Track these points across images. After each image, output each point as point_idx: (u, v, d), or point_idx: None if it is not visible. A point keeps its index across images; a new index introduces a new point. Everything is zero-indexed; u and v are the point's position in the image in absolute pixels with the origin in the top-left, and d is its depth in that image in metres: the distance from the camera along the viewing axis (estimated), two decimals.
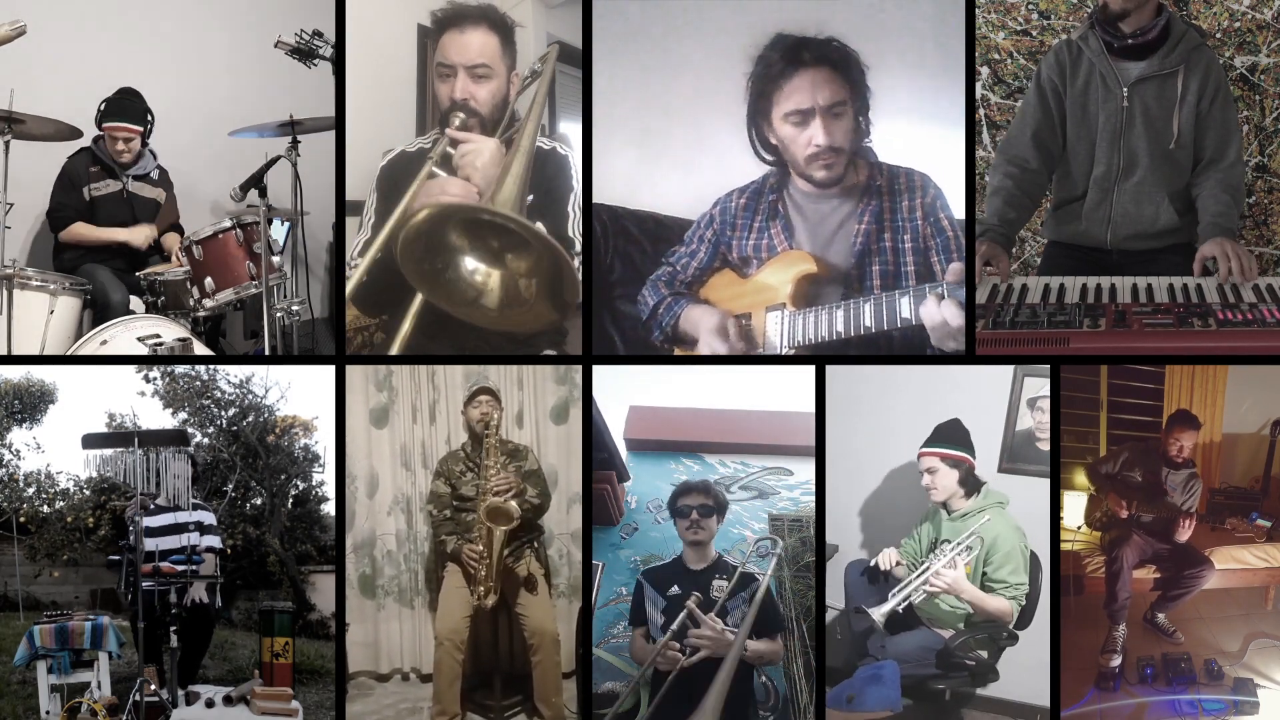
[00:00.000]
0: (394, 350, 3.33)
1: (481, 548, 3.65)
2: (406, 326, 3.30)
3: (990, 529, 3.49)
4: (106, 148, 4.53)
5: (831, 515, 3.71)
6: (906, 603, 3.47)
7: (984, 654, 3.48)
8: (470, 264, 3.14)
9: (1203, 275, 3.57)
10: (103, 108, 4.48)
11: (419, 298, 3.28)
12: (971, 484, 3.58)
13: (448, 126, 3.48)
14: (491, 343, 3.62)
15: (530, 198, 3.48)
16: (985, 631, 3.48)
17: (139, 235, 4.54)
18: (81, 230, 4.49)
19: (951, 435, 3.60)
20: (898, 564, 3.54)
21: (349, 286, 3.53)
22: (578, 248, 3.53)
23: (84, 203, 4.51)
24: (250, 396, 4.61)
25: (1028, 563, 3.50)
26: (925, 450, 3.60)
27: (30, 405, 4.47)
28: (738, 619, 3.42)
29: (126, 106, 4.50)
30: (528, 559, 3.76)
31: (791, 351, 3.43)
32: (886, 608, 3.45)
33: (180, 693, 3.64)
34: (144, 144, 4.59)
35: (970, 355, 3.38)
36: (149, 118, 4.55)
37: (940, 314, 3.10)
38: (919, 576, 3.47)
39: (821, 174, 3.41)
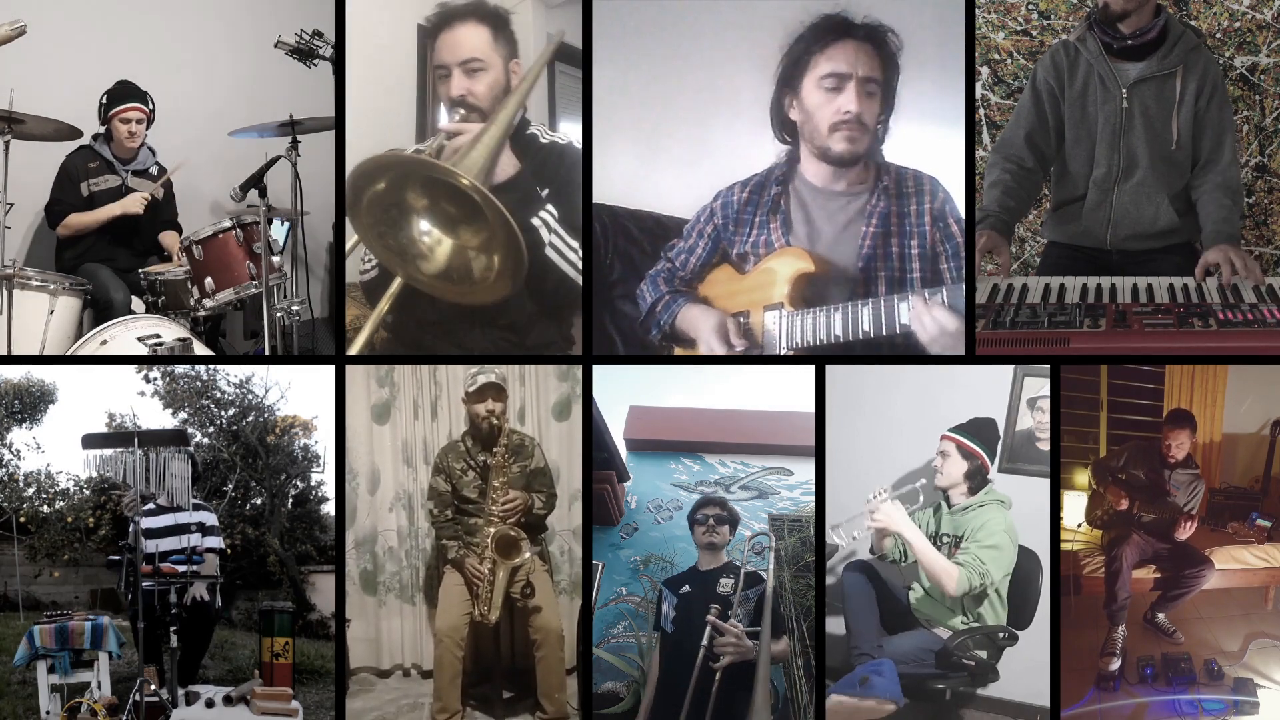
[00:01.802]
0: (364, 333, 3.44)
1: (487, 570, 3.66)
2: (384, 306, 3.42)
3: (985, 514, 3.51)
4: (115, 135, 4.54)
5: (831, 515, 3.71)
6: (853, 544, 3.56)
7: (983, 654, 3.48)
8: (424, 225, 3.29)
9: (1203, 281, 3.58)
10: (105, 99, 4.51)
11: (396, 284, 3.39)
12: (978, 481, 3.58)
13: (448, 123, 3.49)
14: (488, 336, 3.62)
15: (547, 191, 3.52)
16: (984, 632, 3.49)
17: (133, 203, 4.53)
18: (77, 219, 4.49)
19: (980, 431, 3.60)
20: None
21: (363, 279, 3.64)
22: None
23: (82, 198, 4.52)
24: (250, 396, 4.61)
25: (1009, 563, 3.49)
26: (948, 434, 3.60)
27: (30, 405, 4.47)
28: (739, 617, 3.49)
29: (130, 89, 4.54)
30: (530, 560, 3.76)
31: (789, 353, 3.43)
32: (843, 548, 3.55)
33: (180, 692, 3.64)
34: (148, 126, 4.60)
35: (970, 355, 3.38)
36: (150, 102, 4.57)
37: (935, 321, 3.10)
38: (865, 510, 3.52)
39: (842, 146, 3.36)
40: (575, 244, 3.51)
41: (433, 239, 3.30)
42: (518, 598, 3.70)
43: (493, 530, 3.68)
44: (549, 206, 3.49)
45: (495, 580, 3.65)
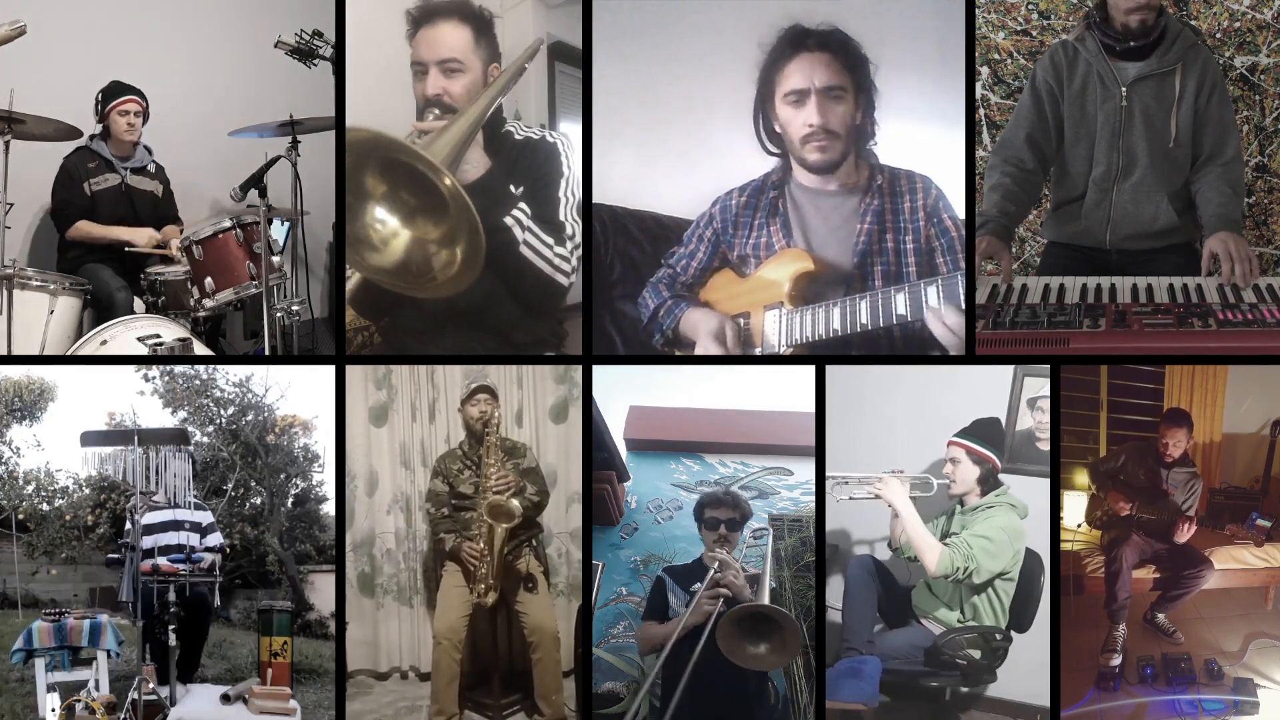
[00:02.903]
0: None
1: (482, 545, 3.65)
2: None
3: (992, 512, 3.52)
4: (113, 131, 4.54)
5: (831, 515, 3.71)
6: (833, 495, 3.56)
7: (975, 654, 3.48)
8: (379, 213, 3.18)
9: (1207, 274, 3.57)
10: (100, 96, 4.51)
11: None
12: (991, 484, 3.58)
13: (420, 121, 3.42)
14: (475, 339, 3.62)
15: (521, 189, 3.48)
16: (978, 631, 3.49)
17: (141, 236, 4.54)
18: (87, 228, 4.50)
19: (986, 433, 3.60)
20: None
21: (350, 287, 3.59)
22: (569, 231, 3.51)
23: (86, 198, 4.52)
24: (250, 396, 4.61)
25: (1008, 561, 3.47)
26: (955, 440, 3.59)
27: (30, 403, 4.47)
28: None
29: (124, 85, 4.54)
30: (526, 557, 3.76)
31: (789, 350, 3.43)
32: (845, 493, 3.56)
33: (181, 690, 3.64)
34: (144, 122, 4.60)
35: (970, 355, 3.38)
36: (145, 98, 4.57)
37: (946, 329, 3.11)
38: (873, 477, 3.54)
39: (815, 156, 3.42)
40: (550, 240, 3.45)
41: (387, 230, 3.19)
42: (521, 586, 3.68)
43: (486, 502, 3.67)
44: (521, 204, 3.44)
45: (492, 556, 3.64)
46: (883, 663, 3.45)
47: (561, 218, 3.50)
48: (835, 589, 3.73)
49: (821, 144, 3.40)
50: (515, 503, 3.66)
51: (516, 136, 3.58)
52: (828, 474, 3.62)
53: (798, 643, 3.26)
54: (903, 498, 3.50)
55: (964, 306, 3.15)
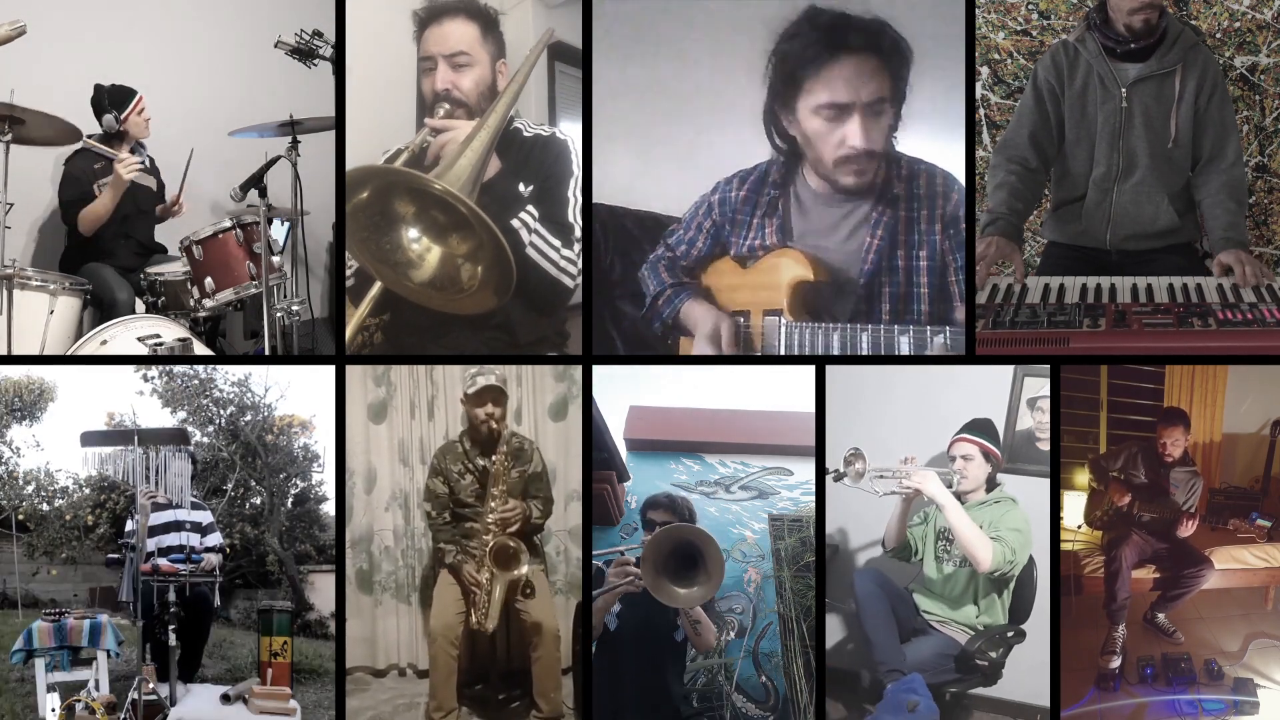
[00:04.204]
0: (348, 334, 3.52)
1: (484, 579, 3.63)
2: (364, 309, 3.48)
3: (1001, 508, 3.52)
4: (133, 130, 4.54)
5: (831, 515, 3.70)
6: (873, 487, 3.46)
7: (994, 654, 3.48)
8: (413, 233, 3.32)
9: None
10: (108, 101, 4.50)
11: (375, 288, 3.44)
12: (992, 483, 3.59)
13: (431, 118, 3.53)
14: (490, 345, 3.62)
15: (531, 187, 3.54)
16: (996, 631, 3.49)
17: (123, 173, 4.40)
18: (93, 209, 4.44)
19: (989, 431, 3.60)
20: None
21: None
22: (578, 234, 3.54)
23: (93, 196, 4.49)
24: (249, 395, 4.61)
25: (1027, 551, 3.49)
26: (966, 437, 3.57)
27: (30, 403, 4.47)
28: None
29: (123, 88, 4.53)
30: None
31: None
32: (863, 481, 3.47)
33: (181, 690, 3.64)
34: None
35: (970, 355, 3.38)
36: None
37: None
38: (901, 475, 3.43)
39: (850, 180, 3.19)
40: (557, 243, 3.52)
41: (422, 246, 3.33)
42: (519, 599, 3.68)
43: (491, 540, 3.65)
44: (529, 207, 3.50)
45: (493, 591, 3.63)
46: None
47: (570, 219, 3.54)
48: (835, 590, 3.73)
49: (860, 168, 3.13)
50: (524, 556, 3.59)
51: (526, 133, 3.63)
52: (870, 466, 3.45)
53: (721, 564, 3.18)
54: (944, 492, 3.39)
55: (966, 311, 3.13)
